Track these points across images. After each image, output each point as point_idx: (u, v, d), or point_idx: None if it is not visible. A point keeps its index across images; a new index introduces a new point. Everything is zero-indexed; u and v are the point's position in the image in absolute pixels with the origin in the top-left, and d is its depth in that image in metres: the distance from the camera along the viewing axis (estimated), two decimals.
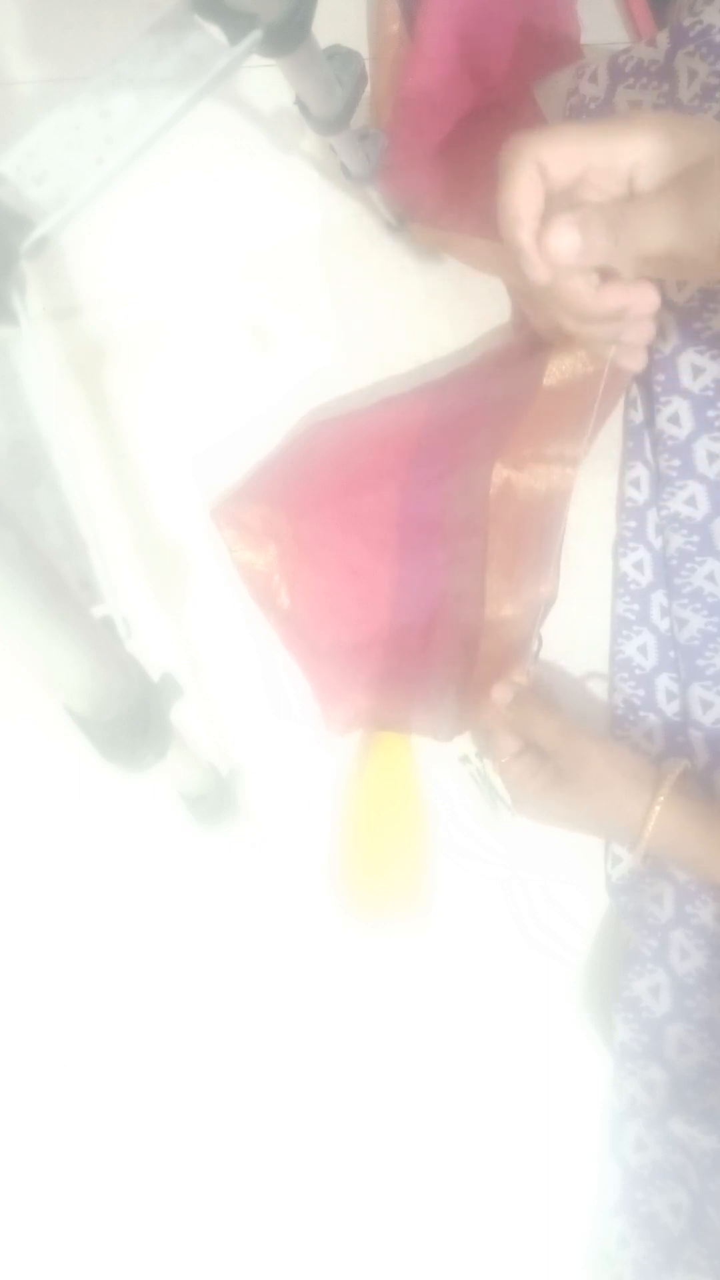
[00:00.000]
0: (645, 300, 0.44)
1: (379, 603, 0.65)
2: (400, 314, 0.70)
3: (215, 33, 0.45)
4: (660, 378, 0.64)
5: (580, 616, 0.65)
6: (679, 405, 0.63)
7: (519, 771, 0.57)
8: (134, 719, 0.40)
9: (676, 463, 0.62)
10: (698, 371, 0.63)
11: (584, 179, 0.43)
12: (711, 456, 0.61)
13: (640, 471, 0.65)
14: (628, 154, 0.41)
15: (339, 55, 0.54)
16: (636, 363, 0.47)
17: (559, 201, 0.43)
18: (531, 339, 0.67)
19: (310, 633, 0.66)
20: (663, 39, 0.61)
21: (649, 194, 0.42)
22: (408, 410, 0.65)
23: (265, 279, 0.69)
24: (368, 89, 0.61)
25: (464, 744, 0.65)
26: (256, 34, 0.44)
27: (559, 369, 0.63)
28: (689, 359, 0.63)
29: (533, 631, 0.64)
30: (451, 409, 0.64)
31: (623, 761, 0.55)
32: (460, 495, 0.65)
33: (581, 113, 0.66)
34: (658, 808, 0.52)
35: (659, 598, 0.63)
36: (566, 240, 0.42)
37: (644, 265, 0.43)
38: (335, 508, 0.64)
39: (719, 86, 0.57)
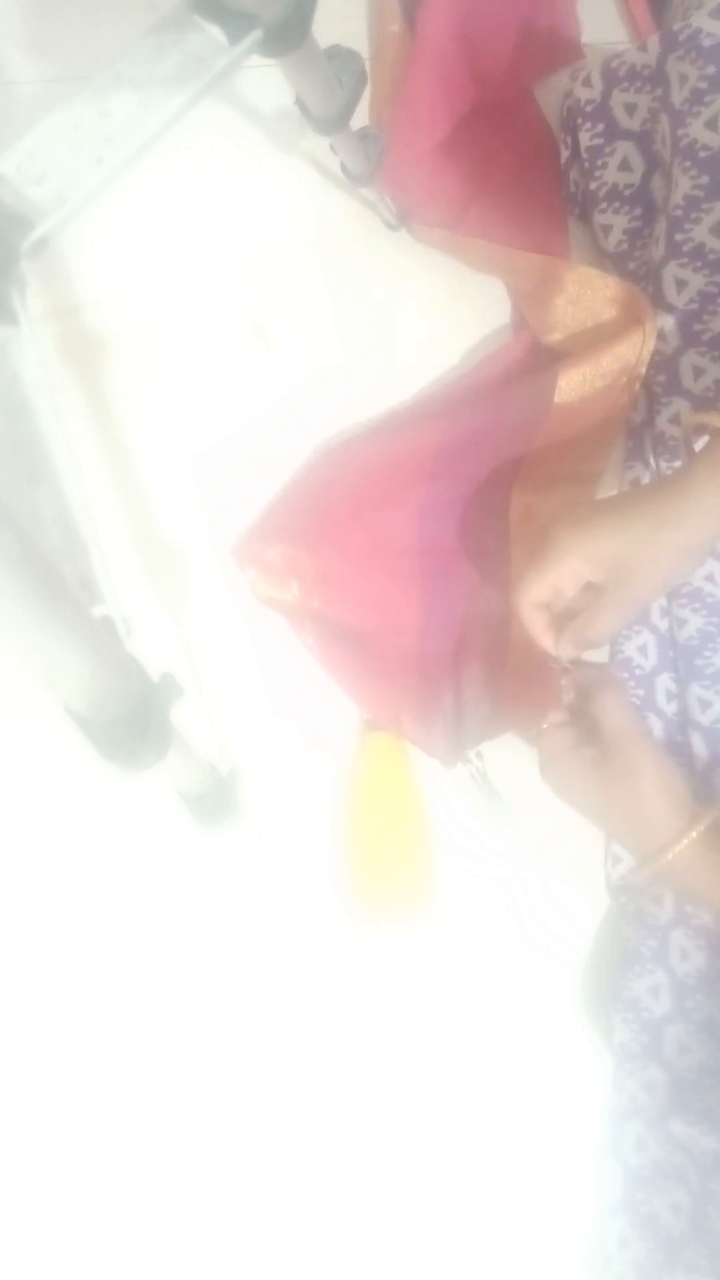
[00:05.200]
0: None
1: (404, 634, 0.65)
2: (400, 314, 0.70)
3: (215, 33, 0.45)
4: (661, 378, 0.64)
5: None
6: (680, 406, 0.63)
7: (556, 742, 0.56)
8: (134, 719, 0.40)
9: (676, 463, 0.62)
10: (699, 373, 0.63)
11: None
12: None
13: (640, 472, 0.65)
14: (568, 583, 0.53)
15: (339, 55, 0.54)
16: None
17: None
18: (532, 343, 0.67)
19: (337, 660, 0.65)
20: (653, 44, 0.61)
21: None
22: (421, 436, 0.64)
23: (265, 279, 0.69)
24: (368, 89, 0.61)
25: None
26: (256, 34, 0.44)
27: (569, 384, 0.63)
28: (690, 360, 0.63)
29: None
30: (465, 432, 0.64)
31: (670, 786, 0.53)
32: (480, 522, 0.65)
33: (577, 115, 0.66)
34: (686, 841, 0.51)
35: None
36: (537, 628, 0.55)
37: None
38: (356, 541, 0.64)
39: (707, 91, 0.57)
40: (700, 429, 0.53)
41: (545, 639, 0.55)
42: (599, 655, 0.65)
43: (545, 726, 0.57)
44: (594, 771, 0.54)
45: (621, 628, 0.55)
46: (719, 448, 0.50)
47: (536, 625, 0.55)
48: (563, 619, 0.54)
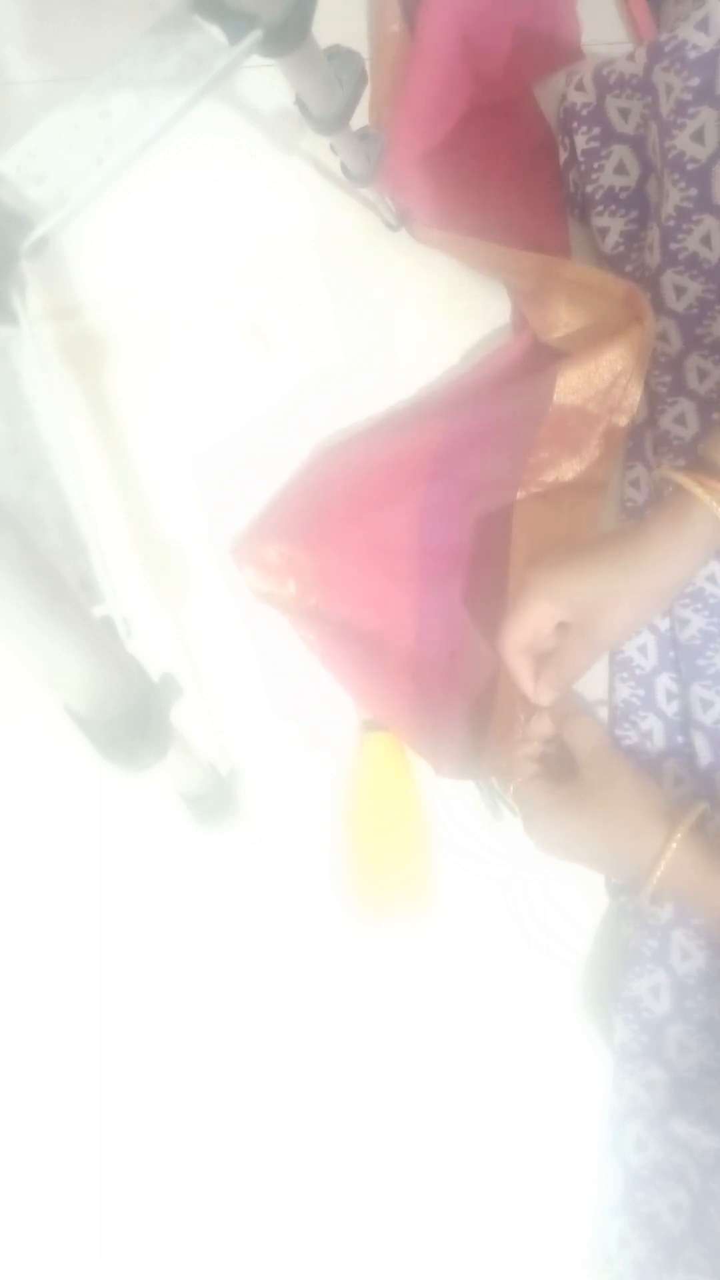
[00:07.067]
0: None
1: (401, 635, 0.65)
2: (400, 314, 0.70)
3: (215, 33, 0.45)
4: (666, 379, 0.64)
5: None
6: (685, 406, 0.63)
7: (533, 792, 0.56)
8: (134, 719, 0.40)
9: (681, 463, 0.62)
10: (703, 375, 0.63)
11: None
12: None
13: (640, 471, 0.65)
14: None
15: (339, 55, 0.54)
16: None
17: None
18: (532, 343, 0.67)
19: (337, 658, 0.65)
20: (640, 54, 0.61)
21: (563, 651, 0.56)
22: (421, 436, 0.64)
23: (265, 279, 0.69)
24: (368, 89, 0.61)
25: None
26: (256, 34, 0.44)
27: (569, 384, 0.63)
28: (694, 362, 0.63)
29: None
30: (465, 432, 0.64)
31: (649, 790, 0.54)
32: (482, 526, 0.65)
33: (573, 118, 0.66)
34: (674, 844, 0.51)
35: None
36: (521, 674, 0.57)
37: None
38: (356, 540, 0.64)
39: (692, 103, 0.57)
40: (664, 482, 0.55)
41: (527, 684, 0.57)
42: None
43: (519, 782, 0.58)
44: (575, 803, 0.55)
45: (591, 666, 0.57)
46: (679, 500, 0.53)
47: (521, 670, 0.57)
48: (541, 661, 0.57)
